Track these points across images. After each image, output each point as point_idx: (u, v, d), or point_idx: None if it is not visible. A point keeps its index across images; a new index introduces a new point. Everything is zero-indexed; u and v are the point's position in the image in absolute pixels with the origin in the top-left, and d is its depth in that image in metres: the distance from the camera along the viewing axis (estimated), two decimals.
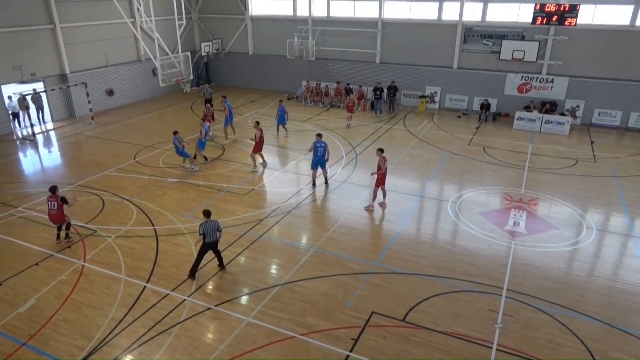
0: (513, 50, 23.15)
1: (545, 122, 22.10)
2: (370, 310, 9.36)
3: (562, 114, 22.79)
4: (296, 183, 15.83)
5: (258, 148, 16.68)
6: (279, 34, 28.40)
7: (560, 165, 17.49)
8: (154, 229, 12.52)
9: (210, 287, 10.17)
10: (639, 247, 12.05)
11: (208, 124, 18.60)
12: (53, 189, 11.68)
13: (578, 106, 23.10)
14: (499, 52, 23.59)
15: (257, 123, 17.02)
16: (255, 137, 16.60)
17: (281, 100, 21.08)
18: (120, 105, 26.16)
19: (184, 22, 21.08)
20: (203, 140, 17.26)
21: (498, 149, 19.33)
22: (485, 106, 23.90)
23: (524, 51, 22.94)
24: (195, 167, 16.67)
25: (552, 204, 14.39)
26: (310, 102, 26.92)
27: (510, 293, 9.98)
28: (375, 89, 24.53)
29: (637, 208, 14.17)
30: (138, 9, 24.45)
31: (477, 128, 22.62)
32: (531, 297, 9.86)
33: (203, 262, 10.92)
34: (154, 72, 25.08)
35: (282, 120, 20.25)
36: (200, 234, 10.05)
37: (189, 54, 22.15)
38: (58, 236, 11.90)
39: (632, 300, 9.89)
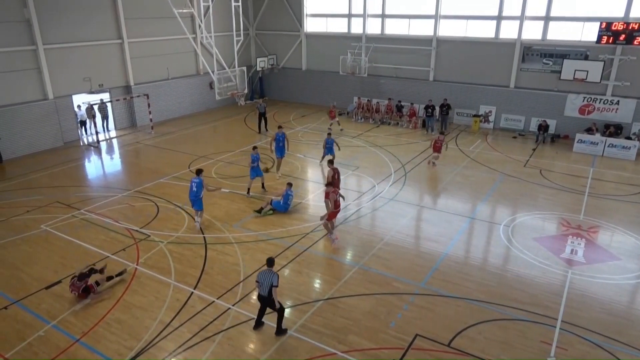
0: (575, 70, 22.18)
1: (608, 146, 20.91)
2: (414, 332, 9.12)
3: (629, 138, 21.49)
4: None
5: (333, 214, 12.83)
6: (333, 50, 28.79)
7: (625, 192, 16.45)
8: (204, 237, 12.87)
9: (255, 297, 10.28)
10: None
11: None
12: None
13: None
14: (560, 72, 22.66)
15: (331, 162, 14.81)
16: (328, 177, 14.30)
17: (329, 134, 19.32)
18: (178, 117, 27.33)
19: (242, 38, 21.82)
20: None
21: (556, 172, 18.47)
22: (543, 127, 22.98)
23: (587, 71, 21.92)
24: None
25: (614, 233, 13.52)
26: (361, 118, 26.96)
27: (565, 325, 9.42)
28: (426, 107, 24.20)
29: None
30: (199, 26, 25.68)
31: (534, 150, 21.75)
32: (588, 330, 9.26)
33: (251, 271, 11.10)
34: (211, 85, 26.04)
35: (331, 151, 18.59)
36: (255, 281, 9.08)
37: (244, 68, 22.90)
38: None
39: None
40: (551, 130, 23.31)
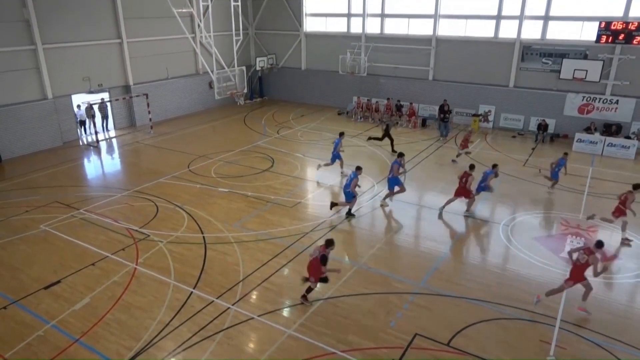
0: (574, 70, 22.18)
1: (608, 145, 20.92)
2: (413, 331, 9.12)
3: (628, 137, 21.50)
4: (343, 198, 15.79)
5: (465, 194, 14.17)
6: (332, 50, 28.76)
7: (624, 191, 16.41)
8: (203, 237, 12.87)
9: (254, 297, 10.29)
10: None
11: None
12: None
13: None
14: (559, 71, 22.66)
15: (471, 167, 14.59)
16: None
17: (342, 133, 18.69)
18: (177, 116, 27.30)
19: (241, 37, 21.78)
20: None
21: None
22: (542, 126, 23.00)
23: (586, 70, 21.92)
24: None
25: (613, 232, 13.52)
26: (361, 117, 26.95)
27: (565, 324, 9.42)
28: (442, 110, 23.43)
29: None
30: (199, 25, 25.66)
31: (534, 149, 21.75)
32: (588, 330, 9.26)
33: (250, 270, 11.12)
34: (210, 85, 26.01)
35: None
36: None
37: (244, 68, 22.85)
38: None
39: None
40: (550, 129, 23.32)
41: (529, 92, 24.01)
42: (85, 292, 10.42)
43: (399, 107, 26.18)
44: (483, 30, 24.67)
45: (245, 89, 22.75)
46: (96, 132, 22.69)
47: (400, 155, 15.00)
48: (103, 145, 22.26)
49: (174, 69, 27.00)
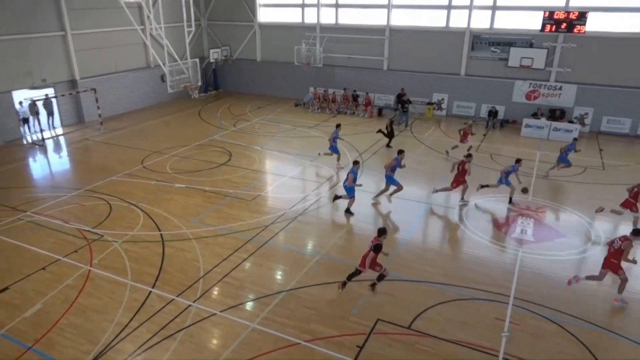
0: (521, 58, 23.09)
1: (553, 130, 21.95)
2: (375, 317, 9.30)
3: (571, 122, 22.64)
4: (302, 189, 15.83)
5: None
6: (287, 40, 28.55)
7: (570, 173, 17.33)
8: (161, 234, 12.56)
9: (216, 292, 10.17)
10: None
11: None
12: None
13: (587, 114, 22.94)
14: (507, 59, 23.52)
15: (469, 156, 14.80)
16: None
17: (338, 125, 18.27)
18: (128, 111, 26.37)
19: (193, 29, 21.24)
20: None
21: (505, 156, 19.20)
22: (493, 113, 23.82)
23: (533, 58, 22.87)
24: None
25: (560, 212, 14.24)
26: (318, 108, 26.97)
27: (518, 301, 9.87)
28: (400, 99, 24.01)
29: None
30: (148, 17, 24.79)
31: (485, 135, 22.52)
32: (539, 305, 9.74)
33: (211, 266, 10.97)
34: (163, 78, 25.25)
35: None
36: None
37: (197, 60, 22.33)
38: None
39: None
40: (500, 115, 24.20)
41: (480, 80, 24.77)
42: (36, 297, 9.96)
43: (355, 97, 26.38)
44: (435, 20, 25.17)
45: (199, 81, 22.23)
46: (41, 130, 21.58)
47: (401, 152, 14.73)
48: (49, 143, 21.21)
49: (123, 62, 26.02)
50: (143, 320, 9.21)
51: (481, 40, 24.37)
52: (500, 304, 9.80)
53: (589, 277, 10.27)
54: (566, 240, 12.56)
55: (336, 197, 14.20)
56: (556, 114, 23.08)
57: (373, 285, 10.16)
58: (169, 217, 13.56)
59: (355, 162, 13.90)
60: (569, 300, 9.98)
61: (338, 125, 18.04)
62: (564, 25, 21.70)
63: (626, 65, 21.87)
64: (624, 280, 9.87)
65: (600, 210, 13.20)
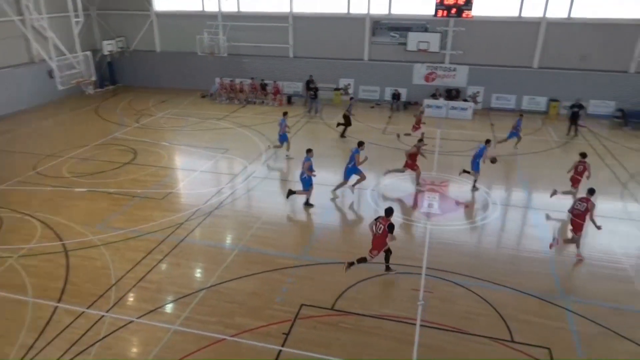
0: (418, 42, 24.36)
1: (450, 109, 23.56)
2: (299, 303, 9.43)
3: (465, 100, 24.43)
4: (216, 182, 15.47)
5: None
6: (188, 30, 27.42)
7: (467, 148, 18.72)
8: (63, 244, 11.59)
9: (131, 299, 9.66)
10: (536, 217, 13.30)
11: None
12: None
13: (478, 92, 24.88)
14: (406, 44, 24.68)
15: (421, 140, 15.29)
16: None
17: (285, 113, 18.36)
18: (14, 112, 23.73)
19: (81, 19, 19.63)
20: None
21: (411, 136, 20.23)
22: (396, 96, 24.95)
23: (428, 42, 24.22)
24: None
25: (462, 184, 15.37)
26: (226, 99, 26.35)
27: (430, 271, 10.55)
28: (309, 87, 24.24)
29: (533, 183, 15.60)
30: (27, 6, 22.38)
31: (390, 117, 23.55)
32: (448, 272, 10.50)
33: (123, 272, 10.39)
34: (51, 74, 23.03)
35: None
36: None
37: (89, 53, 20.73)
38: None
39: (534, 265, 10.89)
40: (403, 98, 25.43)
41: (382, 65, 25.77)
42: None
43: (263, 86, 26.17)
44: (337, 6, 25.61)
45: (94, 76, 20.66)
46: None
47: (361, 143, 14.50)
48: None
49: (0, 57, 23.32)
50: (51, 338, 8.49)
51: (381, 26, 25.29)
52: (414, 276, 10.41)
53: (566, 241, 11.45)
54: (469, 210, 13.61)
55: (290, 192, 13.80)
56: (452, 94, 24.76)
57: (351, 264, 10.13)
58: (70, 224, 12.55)
59: (309, 150, 13.69)
60: (474, 265, 10.87)
61: (285, 113, 17.97)
62: (453, 11, 23.22)
63: (509, 47, 23.99)
64: (579, 239, 11.06)
65: (554, 194, 13.89)
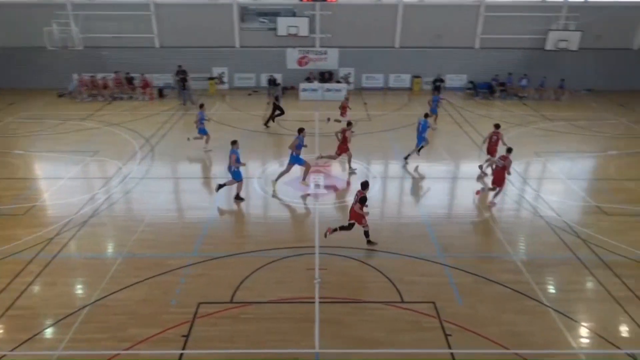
0: (288, 27, 24.58)
1: (325, 91, 24.33)
2: (196, 302, 9.14)
3: (338, 82, 25.40)
4: (87, 189, 14.15)
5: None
6: (33, 21, 24.30)
7: (341, 129, 19.53)
8: None
9: (1, 331, 8.51)
10: (410, 186, 14.46)
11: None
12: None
13: (350, 73, 26.04)
14: (276, 29, 24.75)
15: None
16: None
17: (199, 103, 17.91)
18: None
19: None
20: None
21: (290, 121, 20.55)
22: (272, 81, 25.00)
23: (298, 27, 24.57)
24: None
25: (342, 163, 16.05)
26: (88, 97, 24.06)
27: (322, 249, 10.92)
28: (179, 77, 23.08)
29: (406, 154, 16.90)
30: None
31: (268, 103, 23.56)
32: (339, 247, 10.97)
33: None
34: None
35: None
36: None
37: None
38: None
39: (414, 230, 11.87)
40: (280, 83, 25.60)
41: (255, 51, 25.60)
42: None
43: (129, 80, 24.39)
44: None
45: None
46: None
47: (301, 130, 14.09)
48: None
49: None
50: None
51: (249, 12, 25.02)
52: (308, 256, 10.69)
53: (490, 189, 13.37)
54: (351, 187, 14.30)
55: (220, 186, 13.25)
56: (325, 76, 25.56)
57: (369, 242, 10.91)
58: None
59: (234, 142, 13.09)
60: (361, 237, 11.50)
61: (201, 105, 17.09)
62: None
63: (373, 29, 25.38)
64: (500, 190, 13.05)
65: (482, 174, 15.16)
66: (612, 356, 7.89)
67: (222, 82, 25.99)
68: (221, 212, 12.90)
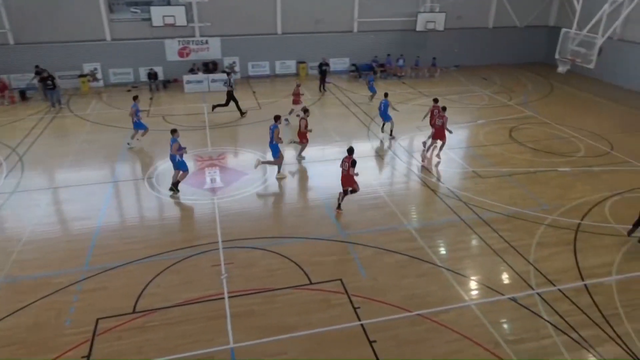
0: (163, 16, 23.25)
1: (211, 82, 23.61)
2: (94, 318, 8.47)
3: (224, 72, 24.76)
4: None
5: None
6: None
7: (234, 119, 19.24)
8: None
9: None
10: (308, 170, 14.73)
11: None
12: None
13: (234, 62, 25.52)
14: (151, 19, 23.30)
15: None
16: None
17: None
18: None
19: None
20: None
21: (177, 115, 19.69)
22: (152, 75, 23.62)
23: (174, 16, 23.36)
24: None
25: (237, 154, 15.83)
26: None
27: (226, 243, 10.73)
28: (41, 78, 20.64)
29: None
30: None
31: (151, 99, 22.29)
32: (244, 240, 10.88)
33: None
34: None
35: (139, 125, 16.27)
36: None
37: None
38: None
39: (315, 212, 12.17)
40: (161, 76, 24.27)
41: (130, 44, 23.91)
42: None
43: None
44: None
45: None
46: None
47: (278, 117, 14.25)
48: None
49: None
50: None
51: (118, 2, 23.21)
52: (212, 252, 10.44)
53: (428, 148, 15.59)
54: (249, 176, 14.18)
55: (174, 186, 13.00)
56: (210, 67, 24.78)
57: (339, 207, 11.94)
58: None
59: (174, 131, 12.92)
60: (266, 226, 11.53)
61: (135, 97, 16.54)
62: None
63: (253, 16, 25.08)
64: (443, 144, 15.23)
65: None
66: (497, 302, 8.91)
67: (95, 79, 23.91)
68: (111, 218, 11.99)
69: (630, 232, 10.85)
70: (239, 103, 19.61)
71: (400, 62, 26.81)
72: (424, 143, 16.06)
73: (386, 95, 17.31)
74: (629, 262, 10.08)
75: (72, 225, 11.79)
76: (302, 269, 9.82)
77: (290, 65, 26.60)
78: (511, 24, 29.16)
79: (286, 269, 9.86)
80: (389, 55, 26.95)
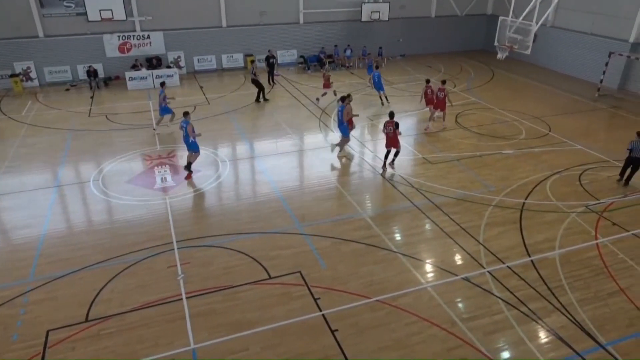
0: (100, 10, 22.18)
1: (156, 78, 22.80)
2: (44, 330, 8.07)
3: (169, 67, 24.03)
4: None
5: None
6: None
7: (197, 116, 18.69)
8: None
9: None
10: (261, 164, 14.64)
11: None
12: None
13: (179, 57, 24.79)
14: (86, 14, 22.15)
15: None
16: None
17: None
18: None
19: None
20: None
21: (121, 114, 18.94)
22: (92, 73, 22.53)
23: (111, 10, 22.34)
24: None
25: (187, 151, 15.43)
26: None
27: (180, 243, 10.50)
28: None
29: (252, 134, 16.96)
30: None
31: (92, 97, 21.29)
32: (199, 238, 10.68)
33: None
34: None
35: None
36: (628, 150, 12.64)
37: None
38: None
39: (270, 206, 12.10)
40: (101, 74, 23.20)
41: (65, 40, 22.68)
42: None
43: None
44: None
45: None
46: None
47: (343, 98, 15.11)
48: None
49: None
50: None
51: None
52: (167, 253, 10.18)
53: (430, 118, 17.15)
54: (201, 173, 13.89)
55: (188, 165, 13.49)
56: (154, 62, 23.93)
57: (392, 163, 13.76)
58: None
59: (186, 113, 13.55)
60: (221, 222, 11.35)
61: (163, 83, 17.15)
62: None
63: (196, 9, 24.38)
64: (444, 114, 17.10)
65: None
66: (451, 283, 9.26)
67: (29, 79, 22.52)
68: (56, 224, 11.41)
69: (626, 181, 13.02)
70: (261, 93, 20.40)
71: (348, 52, 27.00)
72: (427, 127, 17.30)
73: (377, 67, 20.51)
74: (569, 236, 10.75)
75: (14, 234, 11.11)
76: (261, 264, 9.77)
77: (238, 59, 26.16)
78: (452, 12, 30.03)
79: (244, 265, 9.77)
80: (336, 46, 27.07)
